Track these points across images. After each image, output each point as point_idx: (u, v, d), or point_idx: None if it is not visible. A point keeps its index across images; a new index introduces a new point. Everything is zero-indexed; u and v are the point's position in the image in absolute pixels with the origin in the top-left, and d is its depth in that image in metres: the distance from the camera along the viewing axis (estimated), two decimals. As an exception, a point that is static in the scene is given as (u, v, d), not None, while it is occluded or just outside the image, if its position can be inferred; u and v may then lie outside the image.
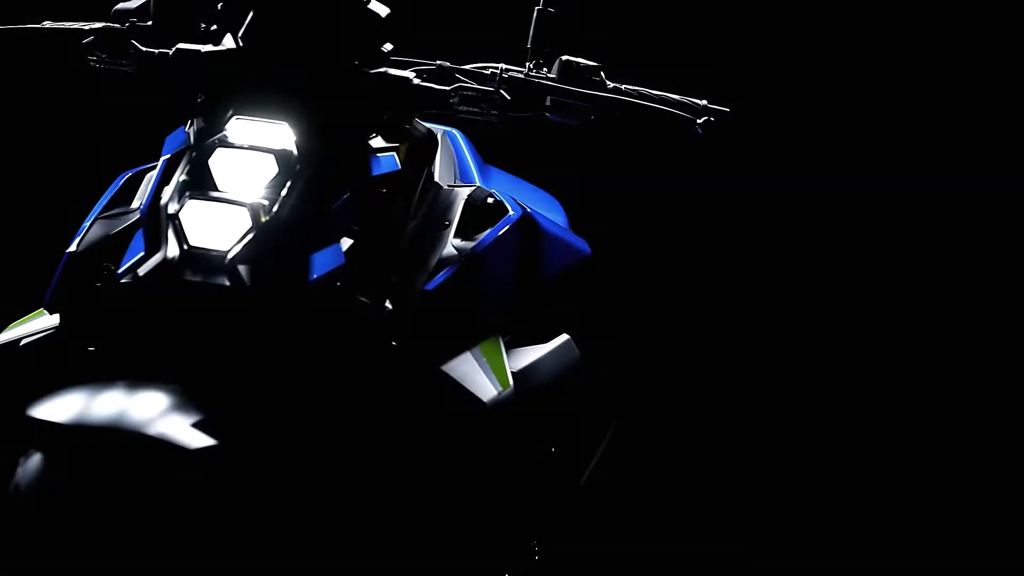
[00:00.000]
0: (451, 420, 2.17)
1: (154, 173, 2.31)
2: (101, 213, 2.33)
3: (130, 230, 2.29)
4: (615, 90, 2.34)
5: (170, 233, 2.07)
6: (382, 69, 2.23)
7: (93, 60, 2.32)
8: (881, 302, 4.15)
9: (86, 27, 2.41)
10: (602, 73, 2.35)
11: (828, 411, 4.14)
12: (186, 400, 1.92)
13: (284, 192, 2.09)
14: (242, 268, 2.04)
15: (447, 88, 2.24)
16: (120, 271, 2.08)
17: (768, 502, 3.98)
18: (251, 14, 2.21)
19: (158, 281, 2.05)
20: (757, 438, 4.10)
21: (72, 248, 2.26)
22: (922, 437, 4.09)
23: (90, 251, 2.25)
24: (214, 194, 2.09)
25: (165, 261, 2.05)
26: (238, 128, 2.14)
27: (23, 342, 2.30)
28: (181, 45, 2.26)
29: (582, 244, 2.56)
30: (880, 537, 3.92)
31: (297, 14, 2.19)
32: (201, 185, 2.10)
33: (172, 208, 2.09)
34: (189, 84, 2.26)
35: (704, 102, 2.37)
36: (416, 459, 2.15)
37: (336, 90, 2.19)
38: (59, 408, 1.87)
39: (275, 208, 2.08)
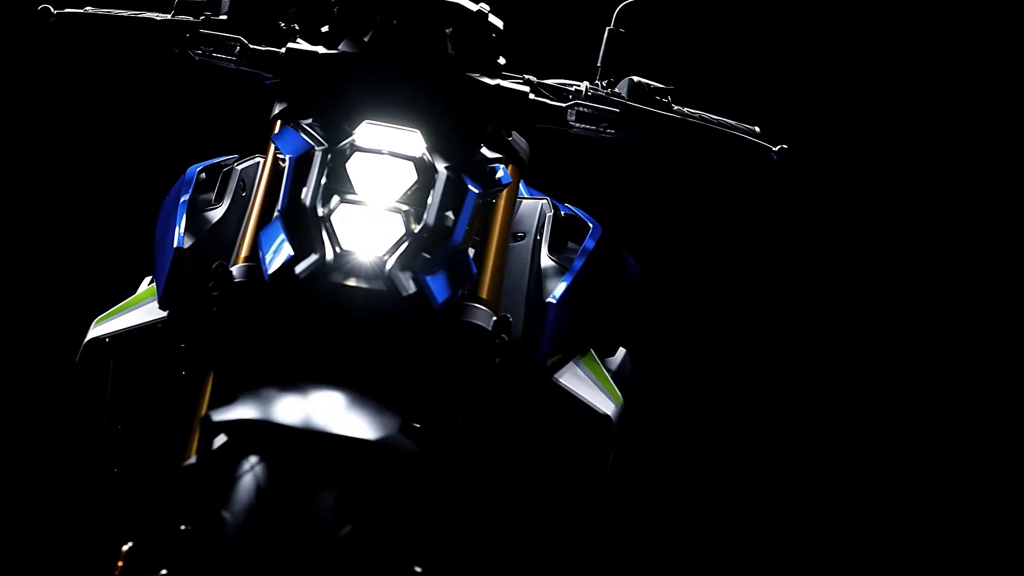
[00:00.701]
0: (577, 434, 2.23)
1: (262, 171, 2.29)
2: (189, 208, 2.30)
3: (221, 225, 2.28)
4: (679, 112, 2.41)
5: (323, 235, 2.06)
6: (496, 81, 2.26)
7: (199, 53, 2.27)
8: (881, 307, 4.16)
9: (158, 18, 2.36)
10: (669, 96, 2.42)
11: (826, 416, 4.14)
12: (376, 405, 1.93)
13: (430, 200, 2.11)
14: (401, 275, 2.05)
15: (564, 104, 2.28)
16: (270, 271, 2.07)
17: (764, 506, 4.04)
18: (378, 20, 2.21)
19: (316, 282, 2.05)
20: (755, 442, 4.12)
21: (178, 244, 2.24)
22: (921, 441, 4.15)
23: (195, 247, 2.23)
24: (364, 199, 2.10)
25: (325, 264, 2.05)
26: (370, 133, 2.14)
27: (107, 339, 2.28)
28: (292, 45, 2.24)
29: (631, 259, 2.64)
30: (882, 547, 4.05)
31: (427, 22, 2.20)
32: (343, 189, 2.10)
33: (321, 211, 2.08)
34: (294, 84, 2.24)
35: (758, 129, 2.45)
36: (543, 471, 2.21)
37: (460, 100, 2.22)
38: (270, 410, 1.86)
39: (425, 215, 2.10)
